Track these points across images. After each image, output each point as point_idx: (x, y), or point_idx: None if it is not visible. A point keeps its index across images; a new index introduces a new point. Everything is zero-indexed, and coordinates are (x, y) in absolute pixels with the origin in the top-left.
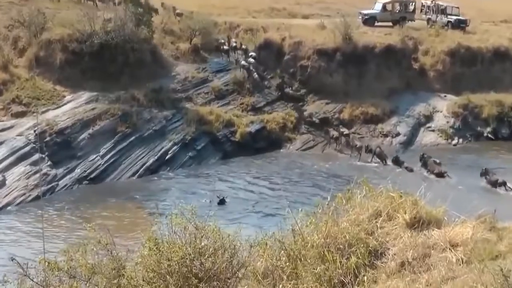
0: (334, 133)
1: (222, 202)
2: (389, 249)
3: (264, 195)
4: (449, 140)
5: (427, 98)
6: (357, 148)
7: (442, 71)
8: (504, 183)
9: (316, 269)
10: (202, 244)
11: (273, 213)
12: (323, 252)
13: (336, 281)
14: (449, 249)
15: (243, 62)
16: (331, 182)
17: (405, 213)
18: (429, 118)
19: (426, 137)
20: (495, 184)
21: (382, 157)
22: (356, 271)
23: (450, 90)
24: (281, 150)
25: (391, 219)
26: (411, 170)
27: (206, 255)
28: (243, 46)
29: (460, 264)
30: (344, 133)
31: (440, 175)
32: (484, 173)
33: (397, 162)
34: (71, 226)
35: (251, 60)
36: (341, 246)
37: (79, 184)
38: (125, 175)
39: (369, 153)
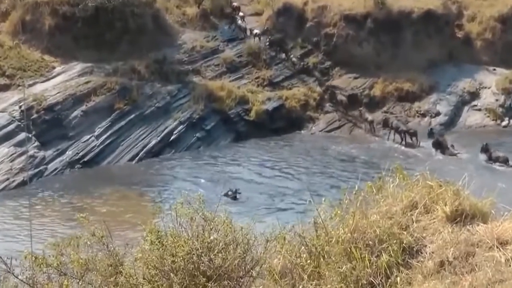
0: (366, 114)
1: (234, 198)
2: (426, 246)
3: (282, 183)
4: (498, 121)
5: (473, 72)
6: (394, 128)
7: (491, 40)
8: (506, 160)
9: (342, 268)
10: (211, 237)
11: (292, 204)
12: (350, 249)
13: (365, 282)
14: (497, 247)
15: (256, 31)
16: (360, 169)
17: (445, 205)
18: (474, 95)
19: (471, 118)
20: (496, 160)
21: (415, 136)
22: (388, 271)
23: (500, 62)
24: (302, 132)
25: (429, 212)
26: (453, 155)
27: (216, 251)
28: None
29: (509, 265)
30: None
31: (505, 161)
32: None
33: (438, 145)
34: (61, 216)
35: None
36: (370, 242)
37: (71, 168)
38: (123, 159)
39: (401, 133)
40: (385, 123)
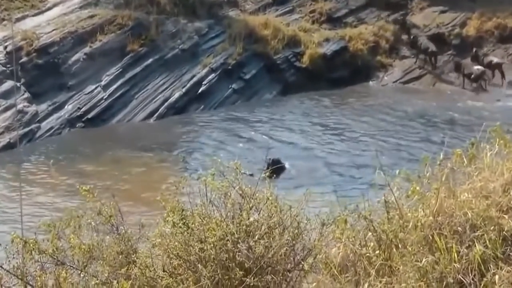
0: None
1: (280, 168)
2: None
3: (343, 151)
4: None
5: None
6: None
7: None
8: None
9: (421, 262)
10: (251, 219)
11: (356, 177)
12: (432, 237)
13: (451, 281)
14: None
15: None
16: (446, 132)
17: None
18: None
19: None
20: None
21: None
22: (482, 267)
23: None
24: (371, 83)
25: None
26: None
27: (257, 236)
28: None
29: None
30: (493, 62)
31: None
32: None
33: None
34: (58, 189)
35: None
36: (459, 229)
37: (71, 127)
38: (138, 116)
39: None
40: (457, 68)
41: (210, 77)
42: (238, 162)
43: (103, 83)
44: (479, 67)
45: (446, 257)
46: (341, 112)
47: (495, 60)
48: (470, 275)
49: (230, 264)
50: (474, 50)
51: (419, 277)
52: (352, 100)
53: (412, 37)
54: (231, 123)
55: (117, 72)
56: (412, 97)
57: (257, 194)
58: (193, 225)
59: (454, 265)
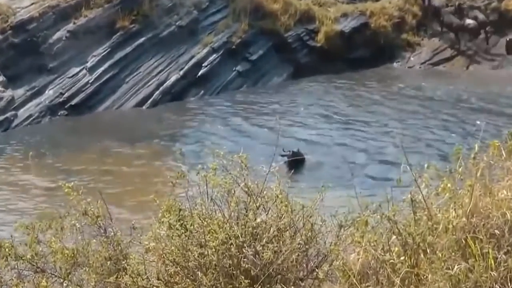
0: None
1: (294, 162)
2: None
3: (362, 142)
4: None
5: None
6: None
7: None
8: None
9: (453, 269)
10: (258, 220)
11: (377, 173)
12: (465, 241)
13: None
14: None
15: None
16: (481, 122)
17: None
18: None
19: None
20: None
21: None
22: None
23: None
24: (395, 65)
25: None
26: None
27: (265, 240)
28: None
29: None
30: None
31: None
32: None
33: None
34: (38, 185)
35: None
36: (496, 232)
37: (52, 115)
38: (129, 102)
39: None
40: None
41: (211, 58)
42: (244, 155)
43: (88, 65)
44: None
45: (482, 264)
46: (361, 99)
47: None
48: (508, 284)
49: (234, 272)
50: None
51: (450, 286)
52: (374, 84)
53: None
54: (236, 110)
55: (104, 53)
56: (442, 81)
57: (265, 192)
58: (192, 227)
59: (490, 273)
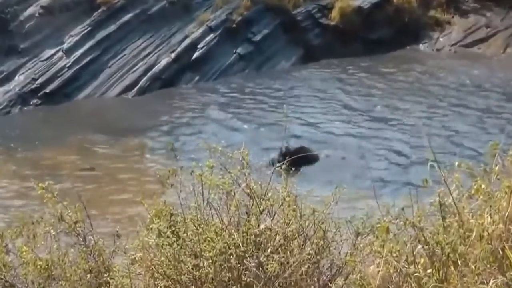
0: None
1: (301, 160)
2: None
3: (384, 137)
4: None
5: None
6: None
7: None
8: None
9: (488, 284)
10: (262, 227)
11: (399, 171)
12: (502, 251)
13: None
14: None
15: None
16: None
17: None
18: None
19: None
20: None
21: None
22: None
23: None
24: (421, 46)
25: None
26: None
27: (269, 249)
28: None
29: None
30: None
31: None
32: None
33: None
34: (7, 184)
35: None
36: None
37: (24, 104)
38: (112, 90)
39: None
40: None
41: (208, 38)
42: (245, 151)
43: (65, 46)
44: None
45: None
46: (381, 86)
47: None
48: None
49: (234, 286)
50: None
51: None
52: (396, 70)
53: None
54: (236, 99)
55: (84, 32)
56: (475, 65)
57: (270, 194)
58: (185, 234)
59: None
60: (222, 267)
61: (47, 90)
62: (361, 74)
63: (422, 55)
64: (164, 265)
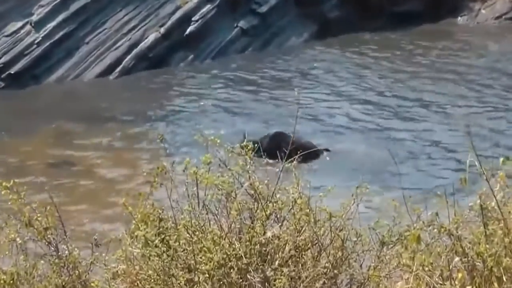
0: None
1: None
2: None
3: (412, 129)
4: None
5: None
6: None
7: None
8: None
9: None
10: (269, 234)
11: (433, 169)
12: None
13: None
14: None
15: None
16: None
17: None
18: None
19: None
20: None
21: None
22: None
23: None
24: (459, 20)
25: None
26: None
27: (277, 262)
28: None
29: None
30: None
31: None
32: None
33: None
34: None
35: None
36: None
37: None
38: (90, 71)
39: None
40: None
41: (204, 10)
42: (248, 144)
43: (34, 18)
44: None
45: None
46: (409, 68)
47: None
48: None
49: None
50: None
51: None
52: (428, 48)
53: None
54: (237, 82)
55: (56, 1)
56: None
57: (278, 195)
58: (177, 243)
59: None
60: (221, 282)
61: (12, 71)
62: (385, 53)
63: (460, 29)
64: (152, 280)
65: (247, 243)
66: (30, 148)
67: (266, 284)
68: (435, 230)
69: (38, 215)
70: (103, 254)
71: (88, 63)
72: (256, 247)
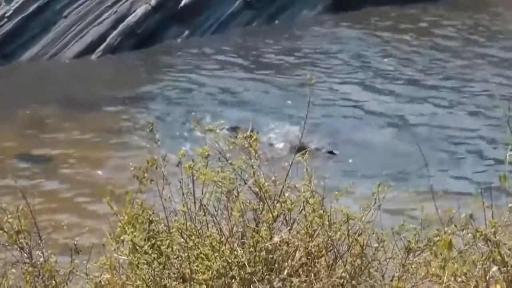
0: None
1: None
2: None
3: (440, 117)
4: None
5: None
6: None
7: None
8: None
9: None
10: (276, 239)
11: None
12: None
13: None
14: None
15: None
16: None
17: None
18: None
19: None
20: None
21: None
22: None
23: None
24: None
25: None
26: None
27: (286, 271)
28: None
29: None
30: None
31: None
32: None
33: None
34: None
35: None
36: None
37: None
38: (69, 49)
39: None
40: None
41: None
42: (253, 134)
43: None
44: None
45: None
46: (436, 46)
47: None
48: None
49: None
50: None
51: None
52: (459, 20)
53: None
54: (239, 61)
55: None
56: None
57: (287, 194)
58: (170, 249)
59: None
60: None
61: None
62: (409, 29)
63: (485, 4)
64: None
65: (251, 249)
66: None
67: None
68: (470, 234)
69: (9, 216)
70: (84, 262)
71: (67, 40)
72: (261, 254)
